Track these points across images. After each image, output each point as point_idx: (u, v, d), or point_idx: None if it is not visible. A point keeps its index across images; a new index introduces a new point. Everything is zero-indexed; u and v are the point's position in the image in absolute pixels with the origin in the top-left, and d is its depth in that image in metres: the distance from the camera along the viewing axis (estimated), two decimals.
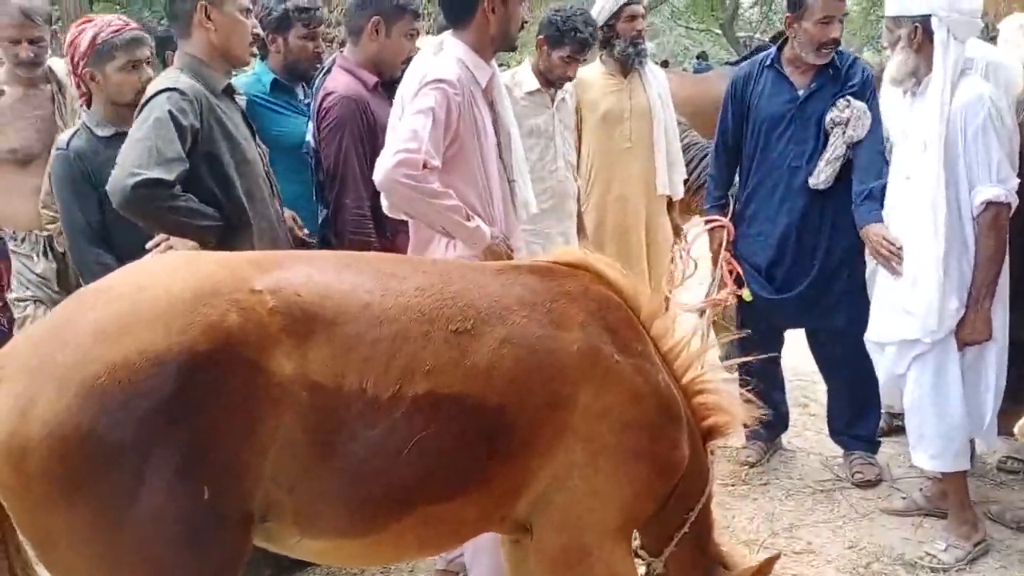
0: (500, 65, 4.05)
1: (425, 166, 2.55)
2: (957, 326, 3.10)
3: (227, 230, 2.71)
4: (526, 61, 4.03)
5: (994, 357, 3.16)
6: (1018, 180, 3.08)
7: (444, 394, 1.76)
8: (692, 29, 23.87)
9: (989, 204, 3.02)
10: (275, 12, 3.42)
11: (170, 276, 1.68)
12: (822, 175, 3.58)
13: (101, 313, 1.60)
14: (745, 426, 2.32)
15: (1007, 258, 3.12)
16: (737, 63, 10.61)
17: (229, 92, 2.86)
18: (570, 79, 3.93)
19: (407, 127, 2.59)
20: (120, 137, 2.71)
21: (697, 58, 17.22)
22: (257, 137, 2.96)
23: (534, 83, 3.86)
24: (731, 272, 3.81)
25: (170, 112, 2.55)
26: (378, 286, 1.81)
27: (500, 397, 1.83)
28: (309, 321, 1.68)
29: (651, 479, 2.04)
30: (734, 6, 20.46)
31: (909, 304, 3.16)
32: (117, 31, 2.95)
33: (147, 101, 2.62)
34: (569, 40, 3.77)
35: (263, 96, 3.39)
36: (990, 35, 3.99)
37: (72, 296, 1.80)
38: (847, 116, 3.54)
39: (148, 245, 2.79)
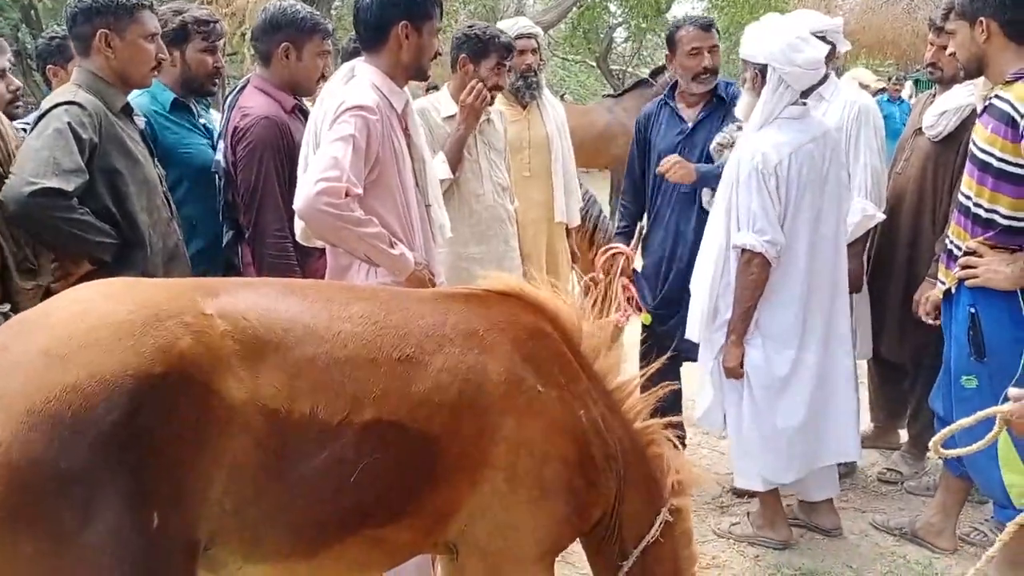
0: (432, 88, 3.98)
1: (347, 194, 2.52)
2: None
3: (122, 248, 2.61)
4: (444, 87, 3.97)
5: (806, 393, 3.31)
6: (777, 234, 3.17)
7: (389, 421, 1.78)
8: (568, 60, 24.48)
9: (743, 250, 3.21)
10: (171, 24, 3.22)
11: (116, 300, 1.62)
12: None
13: (47, 337, 1.52)
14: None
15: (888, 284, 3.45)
16: (618, 96, 11.05)
17: (127, 111, 2.77)
18: (502, 88, 3.86)
19: (327, 155, 2.54)
20: None
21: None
22: (155, 158, 2.85)
23: (453, 107, 3.77)
24: (629, 299, 3.92)
25: (69, 124, 2.47)
26: (323, 312, 1.80)
27: (438, 425, 1.85)
28: (260, 345, 1.66)
29: (567, 513, 2.05)
30: (608, 40, 21.15)
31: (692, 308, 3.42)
32: None
33: (45, 112, 2.53)
34: (494, 47, 3.70)
35: (163, 115, 3.20)
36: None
37: (12, 320, 1.69)
38: (734, 138, 3.64)
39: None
